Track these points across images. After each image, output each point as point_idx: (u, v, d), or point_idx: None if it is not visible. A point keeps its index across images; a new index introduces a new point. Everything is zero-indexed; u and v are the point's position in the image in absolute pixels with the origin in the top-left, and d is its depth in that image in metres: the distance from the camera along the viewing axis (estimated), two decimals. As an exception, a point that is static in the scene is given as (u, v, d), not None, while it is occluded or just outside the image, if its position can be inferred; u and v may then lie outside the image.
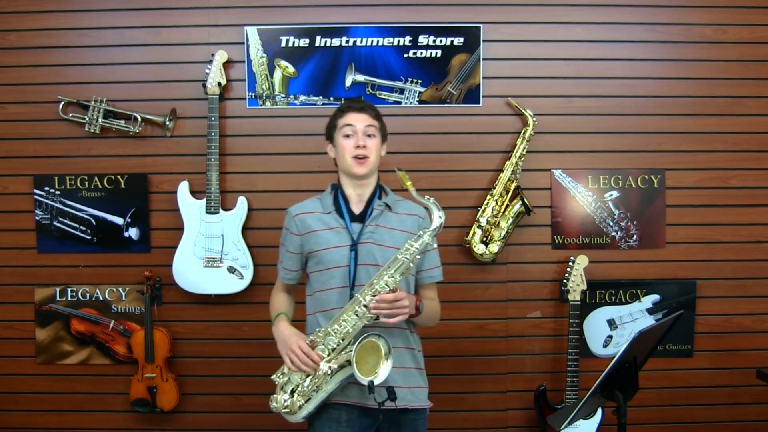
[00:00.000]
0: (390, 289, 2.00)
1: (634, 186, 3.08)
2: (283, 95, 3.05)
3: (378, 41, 3.03)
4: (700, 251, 3.10)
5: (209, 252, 2.96)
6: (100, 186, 3.05)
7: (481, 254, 2.96)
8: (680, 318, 2.25)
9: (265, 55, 3.03)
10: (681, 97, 3.08)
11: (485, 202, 2.99)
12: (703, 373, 3.13)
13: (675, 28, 3.06)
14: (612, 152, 3.09)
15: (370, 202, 2.17)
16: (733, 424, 3.14)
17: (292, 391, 2.08)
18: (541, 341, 3.11)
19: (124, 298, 3.08)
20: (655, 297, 3.09)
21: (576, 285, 2.91)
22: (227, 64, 3.01)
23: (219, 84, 2.95)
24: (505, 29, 3.05)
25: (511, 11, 3.05)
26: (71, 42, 3.04)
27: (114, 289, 3.08)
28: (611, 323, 3.11)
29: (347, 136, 2.14)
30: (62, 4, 3.04)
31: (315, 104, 3.05)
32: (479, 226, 2.97)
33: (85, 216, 3.06)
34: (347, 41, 3.02)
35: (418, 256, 2.04)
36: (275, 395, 2.11)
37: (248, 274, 2.98)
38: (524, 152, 2.99)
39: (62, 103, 3.00)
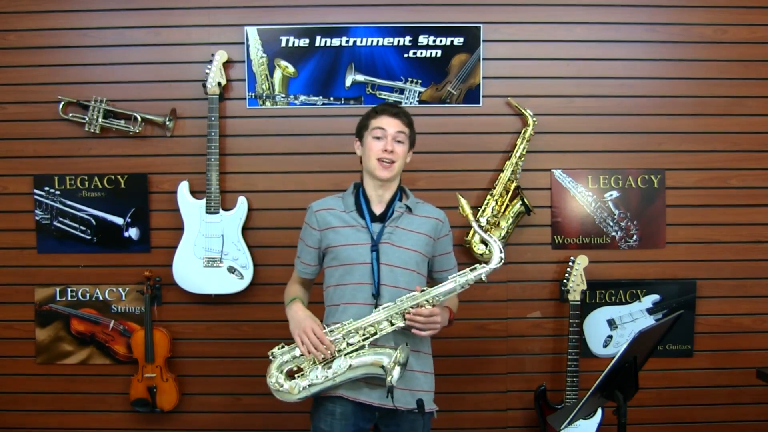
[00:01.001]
0: (431, 307, 2.08)
1: (634, 186, 3.08)
2: (283, 95, 3.05)
3: (378, 41, 3.03)
4: (700, 251, 3.10)
5: (209, 252, 2.96)
6: (100, 186, 3.05)
7: (481, 254, 2.96)
8: (680, 318, 2.25)
9: (265, 55, 3.03)
10: (681, 97, 3.08)
11: (485, 202, 2.99)
12: (703, 373, 3.13)
13: (675, 28, 3.07)
14: (612, 152, 3.09)
15: (391, 204, 2.21)
16: (733, 424, 3.15)
17: (292, 372, 2.12)
18: (541, 341, 3.11)
19: (124, 298, 3.08)
20: (655, 297, 3.09)
21: (576, 285, 2.91)
22: (227, 64, 3.01)
23: (219, 84, 2.95)
24: (505, 29, 3.05)
25: (511, 11, 3.05)
26: (71, 42, 3.04)
27: (114, 289, 3.08)
28: (611, 323, 3.11)
29: (377, 138, 2.17)
30: (62, 4, 3.04)
31: (315, 104, 3.06)
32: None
33: (85, 216, 3.06)
34: (347, 41, 3.02)
35: (468, 286, 2.13)
36: (274, 372, 2.13)
37: (248, 274, 2.98)
38: (524, 152, 2.99)
39: (62, 103, 3.00)
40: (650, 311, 3.10)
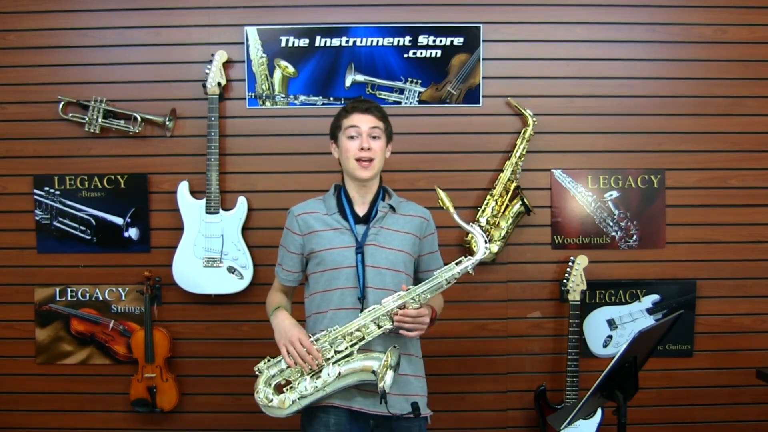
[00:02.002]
0: (417, 306, 2.01)
1: (634, 186, 3.08)
2: (283, 95, 3.05)
3: (378, 41, 3.03)
4: (700, 251, 3.10)
5: (209, 252, 2.96)
6: (100, 186, 3.05)
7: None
8: (680, 318, 2.25)
9: (265, 55, 3.03)
10: (681, 97, 3.08)
11: (485, 202, 2.99)
12: (703, 373, 3.13)
13: (675, 28, 3.07)
14: (612, 152, 3.09)
15: (374, 204, 2.15)
16: (733, 424, 3.15)
17: (281, 386, 2.06)
18: (541, 341, 3.11)
19: (124, 298, 3.08)
20: (655, 297, 3.09)
21: (576, 285, 2.91)
22: (227, 64, 3.01)
23: (219, 84, 2.95)
24: (505, 29, 3.05)
25: (511, 11, 3.05)
26: (71, 42, 3.04)
27: (114, 289, 3.08)
28: (611, 323, 3.11)
29: (351, 137, 2.11)
30: (62, 4, 3.04)
31: (315, 104, 3.05)
32: (479, 226, 2.96)
33: (85, 216, 3.06)
34: (347, 41, 3.02)
35: (454, 281, 2.05)
36: (261, 387, 2.07)
37: (248, 274, 2.98)
38: (524, 152, 2.99)
39: (62, 103, 3.00)
40: (650, 311, 3.10)
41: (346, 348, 2.01)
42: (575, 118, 3.07)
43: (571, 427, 2.77)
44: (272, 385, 2.07)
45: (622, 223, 3.09)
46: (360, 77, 3.04)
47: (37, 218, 3.06)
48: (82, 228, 3.06)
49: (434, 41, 3.03)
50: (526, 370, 3.12)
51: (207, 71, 2.95)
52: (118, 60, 3.05)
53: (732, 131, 3.09)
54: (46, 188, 3.05)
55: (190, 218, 2.97)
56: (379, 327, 2.01)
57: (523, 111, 2.99)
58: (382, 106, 2.21)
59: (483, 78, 3.04)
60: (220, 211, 2.97)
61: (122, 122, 3.01)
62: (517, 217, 2.98)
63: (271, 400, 2.04)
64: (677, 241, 3.09)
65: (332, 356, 2.01)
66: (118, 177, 3.05)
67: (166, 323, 3.07)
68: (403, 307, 2.00)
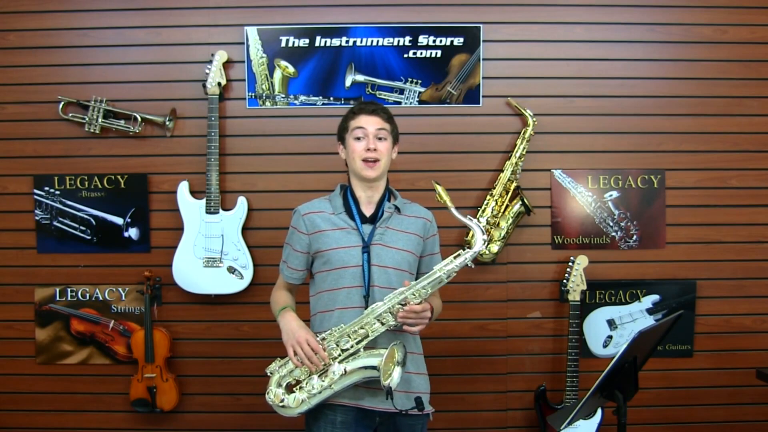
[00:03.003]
0: (419, 301, 2.03)
1: (634, 186, 3.08)
2: (283, 95, 3.05)
3: (378, 41, 3.03)
4: (700, 251, 3.10)
5: (209, 252, 2.96)
6: (100, 186, 3.05)
7: (481, 254, 2.96)
8: (680, 318, 2.25)
9: (265, 55, 3.03)
10: (681, 97, 3.08)
11: (485, 202, 2.99)
12: (703, 373, 3.13)
13: (675, 28, 3.07)
14: (612, 152, 3.09)
15: (380, 204, 2.18)
16: (733, 424, 3.15)
17: (291, 386, 2.08)
18: (541, 341, 3.11)
19: (124, 298, 3.08)
20: (655, 297, 3.09)
21: (576, 285, 2.91)
22: (227, 64, 3.01)
23: (219, 84, 2.95)
24: (505, 29, 3.05)
25: (511, 11, 3.05)
26: (71, 42, 3.04)
27: (114, 289, 3.08)
28: (611, 323, 3.11)
29: (358, 138, 2.14)
30: (63, 4, 3.04)
31: (315, 104, 3.06)
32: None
33: (85, 216, 3.06)
34: (347, 41, 3.02)
35: (454, 274, 2.05)
36: (273, 388, 2.09)
37: (248, 274, 2.98)
38: (524, 152, 2.99)
39: (62, 103, 3.00)
40: (650, 311, 3.10)
41: (352, 346, 2.03)
42: (575, 118, 3.07)
43: (571, 427, 2.77)
44: (283, 386, 2.09)
45: (622, 223, 3.09)
46: (360, 77, 3.04)
47: (37, 218, 3.06)
48: (82, 228, 3.06)
49: (434, 41, 3.03)
50: (526, 370, 3.12)
51: (207, 71, 2.95)
52: (118, 60, 3.05)
53: (732, 131, 3.09)
54: (46, 188, 3.05)
55: (190, 218, 2.97)
56: (383, 324, 2.03)
57: (523, 111, 2.99)
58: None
59: (483, 78, 3.04)
60: (220, 211, 2.97)
61: (122, 122, 3.01)
62: (517, 217, 2.98)
63: (283, 400, 2.07)
64: (677, 241, 3.09)
65: (338, 354, 2.03)
66: (118, 177, 3.05)
67: (166, 323, 3.07)
68: (404, 302, 2.02)
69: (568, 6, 3.05)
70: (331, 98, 3.05)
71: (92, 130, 3.01)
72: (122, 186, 3.05)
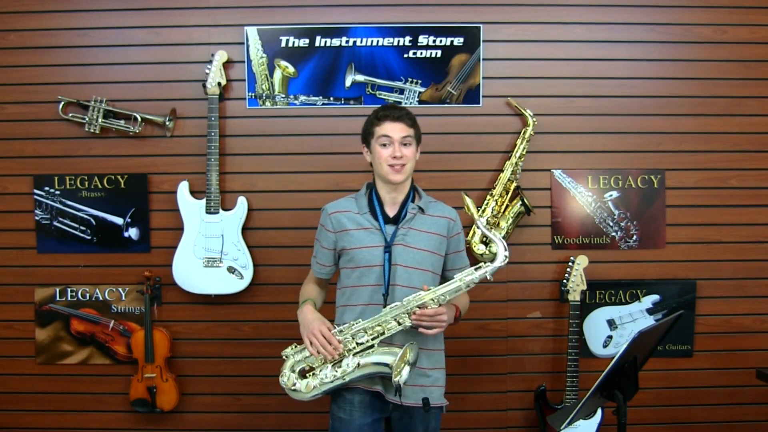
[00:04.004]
0: (436, 306, 2.10)
1: (634, 186, 3.08)
2: (283, 95, 3.05)
3: (378, 41, 3.03)
4: (700, 251, 3.10)
5: (209, 252, 2.96)
6: (100, 186, 3.05)
7: (481, 254, 2.96)
8: (680, 318, 2.25)
9: (265, 55, 3.03)
10: (681, 97, 3.08)
11: (485, 202, 2.99)
12: (703, 373, 3.13)
13: (675, 28, 3.06)
14: (612, 152, 3.09)
15: (404, 205, 2.23)
16: (733, 424, 3.15)
17: (305, 372, 2.15)
18: (541, 341, 3.11)
19: (124, 298, 3.08)
20: (655, 297, 3.09)
21: (576, 285, 2.91)
22: (227, 64, 3.01)
23: (219, 84, 2.95)
24: (505, 29, 3.05)
25: (511, 11, 3.05)
26: (71, 42, 3.04)
27: (114, 289, 3.08)
28: (611, 323, 3.11)
29: (384, 145, 2.18)
30: (62, 4, 3.04)
31: (315, 104, 3.05)
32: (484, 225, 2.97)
33: (85, 216, 3.06)
34: (347, 41, 3.02)
35: (473, 285, 2.13)
36: (287, 371, 2.17)
37: (248, 274, 2.98)
38: (524, 152, 2.99)
39: (62, 103, 3.00)
40: (650, 311, 3.10)
41: (367, 341, 2.11)
42: (575, 118, 3.07)
43: (571, 427, 2.77)
44: (297, 371, 2.17)
45: (622, 223, 3.09)
46: (360, 77, 3.04)
47: (37, 218, 3.06)
48: (82, 228, 3.06)
49: (434, 41, 3.03)
50: (526, 370, 3.12)
51: (207, 71, 2.95)
52: (118, 60, 3.05)
53: (732, 131, 3.09)
54: (46, 188, 3.05)
55: (190, 218, 2.97)
56: (399, 323, 2.10)
57: (523, 111, 2.99)
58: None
59: (483, 78, 3.04)
60: (220, 211, 2.97)
61: (122, 122, 3.01)
62: (517, 217, 2.98)
63: (295, 384, 2.15)
64: (677, 241, 3.09)
65: (353, 347, 2.11)
66: (118, 177, 3.05)
67: (166, 323, 3.07)
68: (423, 306, 2.09)
69: (568, 6, 3.05)
70: (331, 98, 3.05)
71: (92, 130, 3.01)
72: (122, 186, 3.05)
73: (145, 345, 2.97)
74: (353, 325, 2.13)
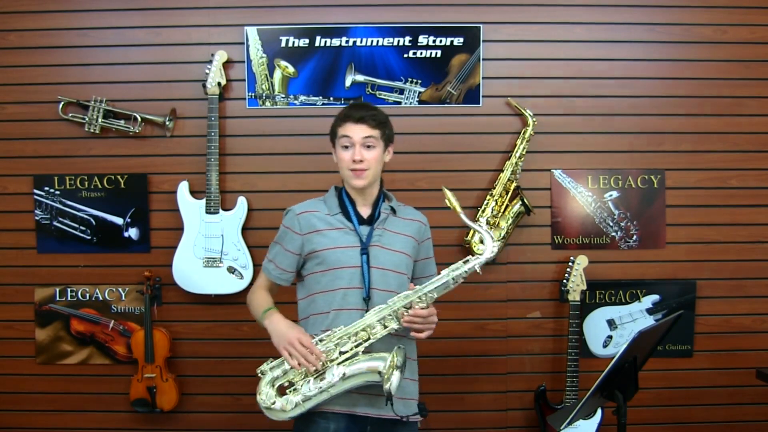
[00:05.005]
0: (425, 305, 1.99)
1: (634, 186, 3.08)
2: (283, 95, 3.05)
3: (378, 41, 3.03)
4: (700, 251, 3.10)
5: (209, 252, 2.96)
6: (100, 186, 3.05)
7: (482, 254, 2.95)
8: (680, 318, 2.25)
9: (265, 55, 3.03)
10: (681, 97, 3.08)
11: (485, 202, 2.99)
12: (703, 373, 3.13)
13: (675, 28, 3.07)
14: (612, 152, 3.09)
15: (376, 205, 2.14)
16: (733, 424, 3.14)
17: (284, 388, 2.01)
18: (541, 341, 3.11)
19: (123, 298, 3.08)
20: (655, 297, 3.09)
21: (576, 285, 2.91)
22: (227, 64, 3.01)
23: (219, 84, 2.95)
24: (505, 29, 3.05)
25: (511, 11, 3.05)
26: (71, 42, 3.04)
27: (114, 289, 3.08)
28: (611, 323, 3.11)
29: (345, 147, 2.07)
30: (62, 4, 3.04)
31: (315, 104, 3.05)
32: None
33: (85, 216, 3.06)
34: (347, 41, 3.02)
35: (461, 280, 2.01)
36: (264, 388, 2.02)
37: (248, 274, 2.98)
38: (524, 152, 2.99)
39: (62, 103, 3.00)
40: (650, 311, 3.10)
41: (351, 349, 1.98)
42: (575, 118, 3.07)
43: (571, 427, 2.76)
44: (275, 387, 2.02)
45: (622, 223, 3.09)
46: (360, 77, 3.04)
47: (37, 218, 3.06)
48: (82, 228, 3.06)
49: (434, 41, 3.03)
50: (526, 371, 3.12)
51: (207, 71, 2.95)
52: (118, 60, 3.05)
53: (732, 131, 3.09)
54: (46, 188, 3.05)
55: (190, 218, 2.97)
56: (385, 327, 1.99)
57: (523, 111, 2.99)
58: (382, 107, 2.19)
59: (483, 78, 3.04)
60: (220, 211, 2.97)
61: (122, 122, 3.01)
62: (517, 217, 2.98)
63: (274, 402, 1.99)
64: (677, 241, 3.09)
65: (337, 357, 1.97)
66: (118, 177, 3.05)
67: (166, 323, 3.07)
68: (409, 306, 1.98)
69: (568, 6, 3.05)
70: (331, 98, 3.05)
71: (92, 130, 3.01)
72: (122, 186, 3.05)
73: (145, 345, 2.97)
74: (335, 332, 1.98)
